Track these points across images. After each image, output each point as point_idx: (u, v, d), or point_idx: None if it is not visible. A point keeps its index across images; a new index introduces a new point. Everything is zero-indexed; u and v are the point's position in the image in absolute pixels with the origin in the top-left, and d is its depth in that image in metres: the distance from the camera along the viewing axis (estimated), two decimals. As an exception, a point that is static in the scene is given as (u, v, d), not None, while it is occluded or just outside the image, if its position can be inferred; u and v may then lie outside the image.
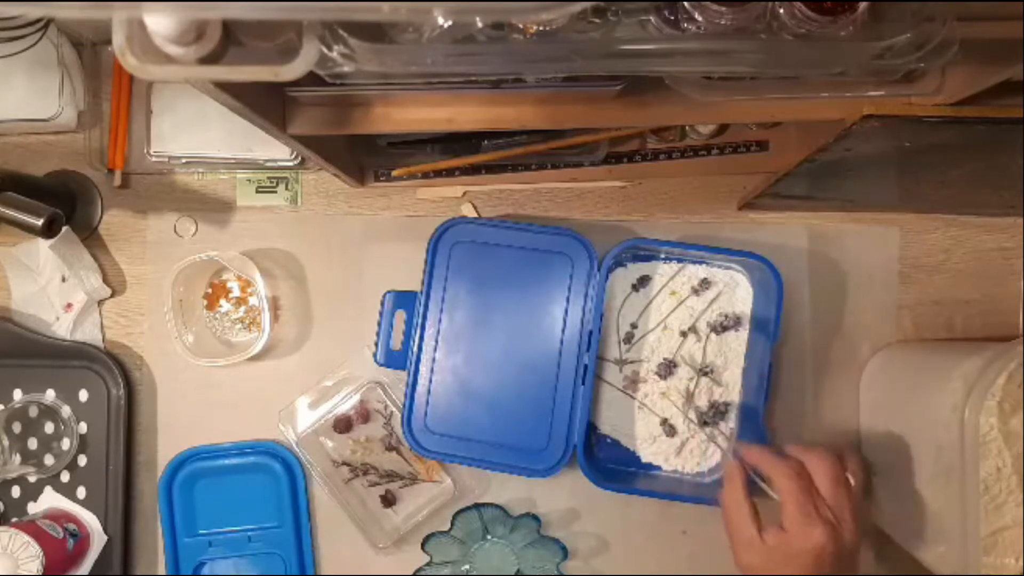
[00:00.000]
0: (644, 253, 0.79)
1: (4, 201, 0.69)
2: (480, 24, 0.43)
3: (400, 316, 0.78)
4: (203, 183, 0.83)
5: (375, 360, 0.78)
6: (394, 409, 0.80)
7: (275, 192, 0.83)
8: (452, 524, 0.77)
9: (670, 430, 0.78)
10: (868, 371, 0.81)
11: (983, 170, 0.69)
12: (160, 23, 0.38)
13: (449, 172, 0.81)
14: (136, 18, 0.38)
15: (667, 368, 0.78)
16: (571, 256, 0.76)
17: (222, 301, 0.82)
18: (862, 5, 0.44)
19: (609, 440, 0.79)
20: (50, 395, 0.80)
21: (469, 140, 0.78)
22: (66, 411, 0.80)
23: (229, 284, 0.83)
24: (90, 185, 0.83)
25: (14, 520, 0.78)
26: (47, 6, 0.35)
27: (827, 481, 0.57)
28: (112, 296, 0.83)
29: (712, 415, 0.77)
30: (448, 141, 0.78)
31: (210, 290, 0.82)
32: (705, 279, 0.78)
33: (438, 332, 0.77)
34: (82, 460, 0.80)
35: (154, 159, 0.80)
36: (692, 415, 0.78)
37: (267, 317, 0.77)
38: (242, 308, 0.82)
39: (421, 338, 0.77)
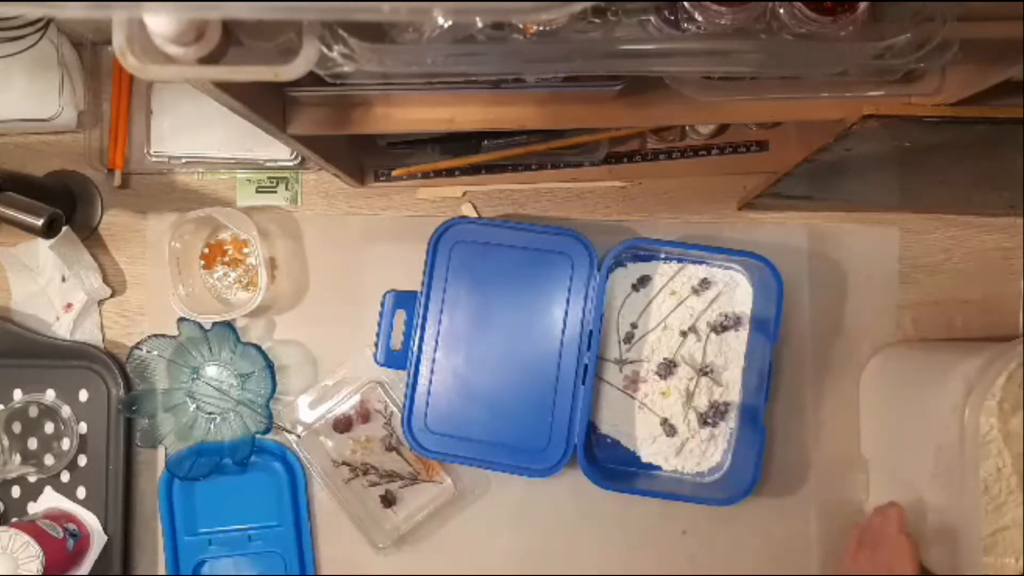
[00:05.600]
0: (644, 253, 0.79)
1: (4, 201, 0.69)
2: (480, 24, 0.43)
3: (400, 316, 0.78)
4: (203, 183, 0.83)
5: (375, 360, 0.78)
6: (394, 409, 0.80)
7: (275, 192, 0.83)
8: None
9: (670, 430, 0.78)
10: (868, 371, 0.81)
11: (983, 170, 0.69)
12: (160, 23, 0.38)
13: (449, 172, 0.81)
14: (136, 18, 0.38)
15: (667, 368, 0.78)
16: (571, 256, 0.76)
17: (219, 264, 0.82)
18: (862, 5, 0.44)
19: (609, 440, 0.79)
20: (50, 395, 0.80)
21: (469, 140, 0.78)
22: (66, 411, 0.80)
23: (226, 246, 0.83)
24: (90, 185, 0.83)
25: (14, 520, 0.78)
26: (47, 6, 0.35)
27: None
28: (112, 296, 0.83)
29: (712, 415, 0.77)
30: (448, 141, 0.78)
31: (207, 250, 0.82)
32: (705, 279, 0.78)
33: (438, 332, 0.77)
34: (82, 460, 0.80)
35: (154, 159, 0.80)
36: (692, 415, 0.78)
37: (263, 273, 0.77)
38: (239, 268, 0.82)
39: (421, 338, 0.77)
